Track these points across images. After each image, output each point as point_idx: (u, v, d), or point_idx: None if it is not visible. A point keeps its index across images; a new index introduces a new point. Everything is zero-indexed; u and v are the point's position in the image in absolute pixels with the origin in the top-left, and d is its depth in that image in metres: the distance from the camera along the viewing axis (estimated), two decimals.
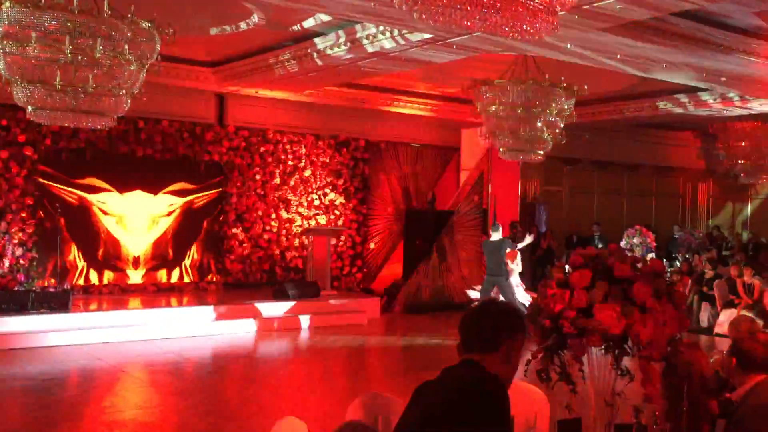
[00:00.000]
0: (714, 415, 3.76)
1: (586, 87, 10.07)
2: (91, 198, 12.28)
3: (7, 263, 11.40)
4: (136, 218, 12.70)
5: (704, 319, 12.83)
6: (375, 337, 11.69)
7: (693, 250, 16.96)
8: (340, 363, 9.50)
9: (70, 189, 12.07)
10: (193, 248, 13.27)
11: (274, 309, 11.95)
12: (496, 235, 11.53)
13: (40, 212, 11.76)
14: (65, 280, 11.83)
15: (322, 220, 14.47)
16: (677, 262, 15.12)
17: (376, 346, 11.06)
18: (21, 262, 11.53)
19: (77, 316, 10.39)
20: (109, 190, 12.41)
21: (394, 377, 8.89)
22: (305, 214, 14.31)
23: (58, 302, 10.41)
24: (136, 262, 12.73)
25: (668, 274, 12.02)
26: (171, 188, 12.97)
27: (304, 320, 11.88)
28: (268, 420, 6.37)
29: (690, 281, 13.50)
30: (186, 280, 13.16)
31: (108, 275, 12.45)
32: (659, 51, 9.25)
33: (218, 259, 13.49)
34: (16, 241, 11.48)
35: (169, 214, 13.02)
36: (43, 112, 8.05)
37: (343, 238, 14.64)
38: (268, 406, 7.32)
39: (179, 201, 13.09)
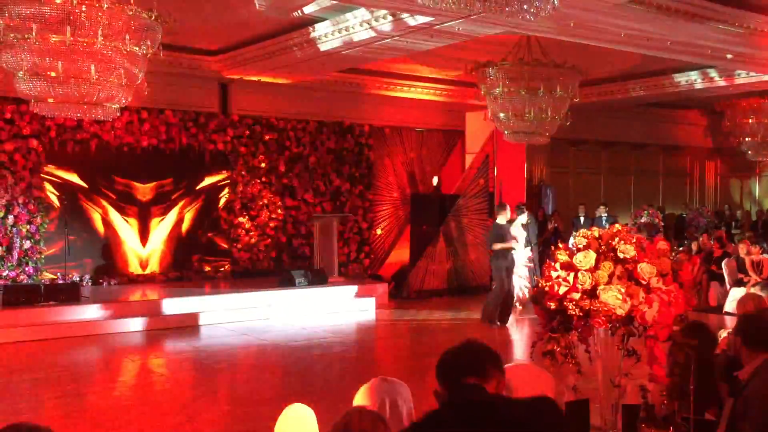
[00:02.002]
0: (722, 395, 3.75)
1: (578, 69, 9.99)
2: (98, 189, 12.28)
3: (15, 256, 11.45)
4: (142, 208, 12.70)
5: (713, 297, 12.79)
6: (383, 322, 11.70)
7: (701, 228, 16.89)
8: (347, 349, 9.53)
9: (76, 181, 12.08)
10: (200, 237, 13.27)
11: (281, 297, 11.97)
12: (503, 218, 11.29)
13: (47, 205, 11.78)
14: (73, 271, 11.89)
15: (328, 206, 14.46)
16: (686, 241, 15.06)
17: (384, 331, 11.08)
18: (29, 254, 11.57)
19: (87, 308, 10.43)
20: (114, 181, 12.41)
21: (402, 362, 8.91)
22: (311, 201, 14.30)
23: (67, 294, 10.46)
24: (143, 252, 12.75)
25: (675, 254, 11.99)
26: (176, 178, 12.96)
27: (311, 307, 11.90)
28: (276, 407, 6.40)
29: (698, 260, 13.45)
30: (192, 269, 13.18)
31: (116, 265, 12.47)
32: (664, 29, 9.17)
33: (225, 248, 13.50)
34: (24, 234, 11.52)
35: (175, 203, 13.02)
36: (46, 104, 8.07)
37: (349, 224, 14.64)
38: (276, 392, 7.34)
39: (185, 191, 13.09)
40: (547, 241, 15.16)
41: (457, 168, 15.99)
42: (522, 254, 12.21)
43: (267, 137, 13.80)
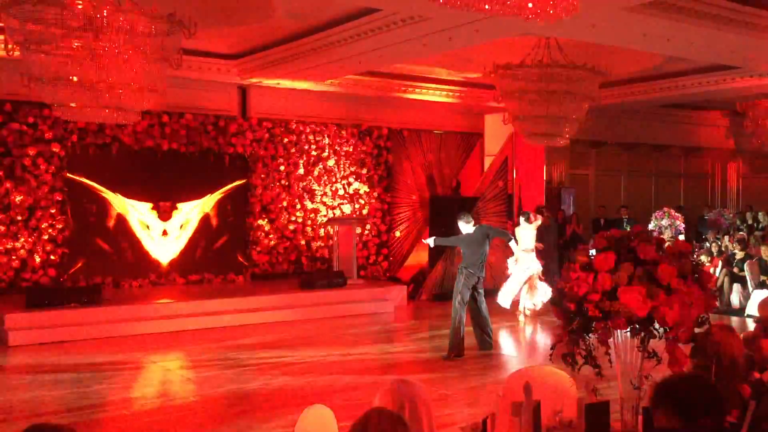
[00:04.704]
0: (745, 397, 3.71)
1: (598, 71, 9.92)
2: (119, 192, 12.38)
3: (37, 259, 11.58)
4: (163, 211, 12.76)
5: (735, 300, 12.69)
6: (402, 324, 11.70)
7: (723, 230, 16.74)
8: (366, 351, 9.53)
9: (97, 184, 12.18)
10: (220, 240, 13.34)
11: (301, 299, 12.02)
12: (468, 227, 9.51)
13: (69, 208, 11.91)
14: (95, 274, 12.02)
15: (347, 209, 14.49)
16: (707, 243, 14.94)
17: (403, 333, 11.08)
18: (51, 257, 11.70)
19: (108, 310, 10.52)
20: (135, 184, 12.49)
21: (421, 364, 8.91)
22: (330, 203, 14.34)
23: (89, 296, 10.57)
24: (163, 254, 12.83)
25: (695, 254, 11.86)
26: (195, 181, 13.03)
27: (331, 310, 11.93)
28: (295, 408, 6.43)
29: (720, 262, 13.34)
30: (213, 272, 13.24)
31: (137, 268, 12.56)
32: (685, 29, 9.10)
33: (244, 251, 13.56)
34: (46, 237, 11.65)
35: (195, 206, 13.09)
36: (68, 108, 8.17)
37: (368, 226, 14.66)
38: (295, 394, 7.37)
39: (205, 194, 13.16)
40: (566, 244, 15.10)
41: (476, 170, 15.97)
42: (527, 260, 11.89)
43: (286, 140, 13.86)
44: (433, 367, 8.62)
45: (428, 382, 7.34)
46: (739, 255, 13.13)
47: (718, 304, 10.53)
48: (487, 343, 9.43)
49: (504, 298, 11.83)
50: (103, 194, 12.26)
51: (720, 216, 18.15)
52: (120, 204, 12.41)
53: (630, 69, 12.74)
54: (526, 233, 11.86)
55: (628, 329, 3.30)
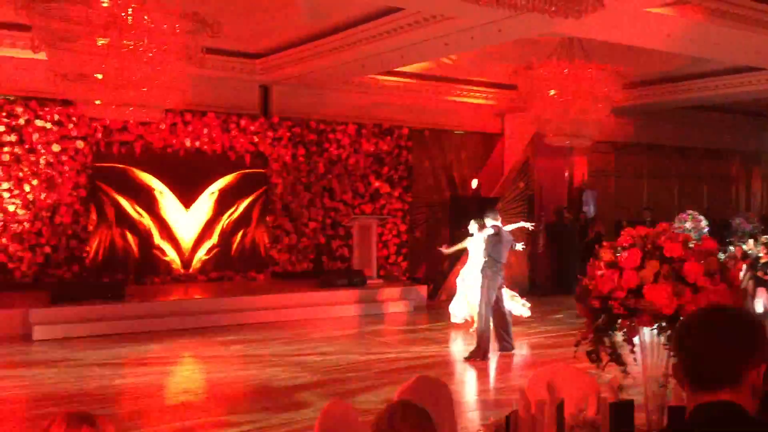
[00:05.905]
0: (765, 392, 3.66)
1: (620, 72, 9.83)
2: (142, 190, 12.47)
3: (62, 255, 11.69)
4: (185, 208, 12.86)
5: (759, 304, 12.53)
6: (421, 324, 11.68)
7: (747, 234, 16.54)
8: (386, 351, 9.52)
9: (120, 182, 12.28)
10: (241, 238, 13.39)
11: (321, 298, 12.03)
12: (497, 224, 9.53)
13: (93, 205, 12.01)
14: (119, 269, 12.11)
15: (367, 208, 14.48)
16: (731, 247, 14.76)
17: (422, 332, 11.04)
18: (75, 254, 11.81)
19: (130, 306, 10.61)
20: (158, 182, 12.58)
21: (441, 365, 8.88)
22: (350, 203, 14.34)
23: (112, 292, 10.66)
24: (184, 252, 12.90)
25: (722, 259, 11.69)
26: (218, 179, 13.11)
27: (351, 309, 11.94)
28: (317, 405, 6.45)
29: (744, 266, 13.18)
30: (234, 269, 13.30)
31: (158, 265, 12.64)
32: (709, 30, 9.01)
33: (265, 249, 13.60)
34: (70, 233, 11.76)
35: (217, 204, 13.16)
36: (93, 106, 8.25)
37: (388, 226, 14.64)
38: (315, 391, 7.38)
39: (227, 192, 13.22)
40: (589, 246, 14.99)
41: (497, 171, 15.88)
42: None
43: (307, 139, 13.89)
44: (454, 368, 8.60)
45: (450, 382, 7.32)
46: (764, 259, 12.97)
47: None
48: (507, 344, 9.38)
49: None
50: (126, 192, 12.35)
51: (744, 219, 17.92)
52: (143, 202, 12.50)
53: (654, 70, 12.63)
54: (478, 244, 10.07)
55: (655, 327, 3.27)
